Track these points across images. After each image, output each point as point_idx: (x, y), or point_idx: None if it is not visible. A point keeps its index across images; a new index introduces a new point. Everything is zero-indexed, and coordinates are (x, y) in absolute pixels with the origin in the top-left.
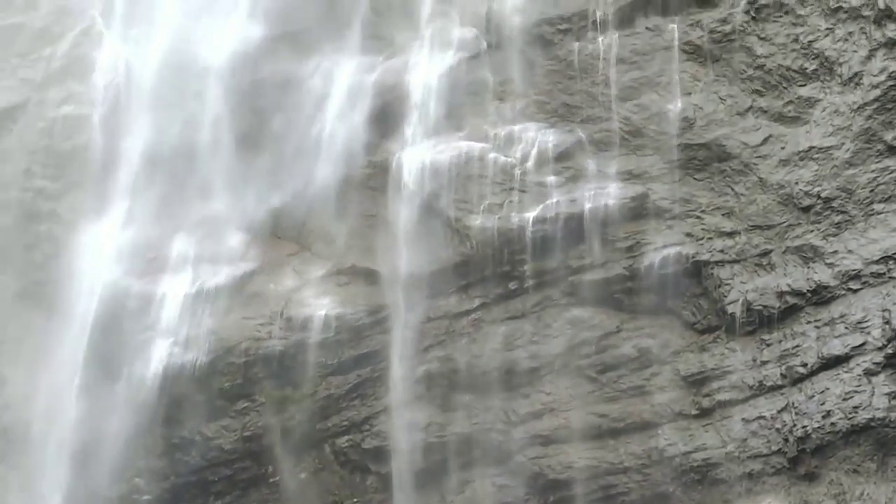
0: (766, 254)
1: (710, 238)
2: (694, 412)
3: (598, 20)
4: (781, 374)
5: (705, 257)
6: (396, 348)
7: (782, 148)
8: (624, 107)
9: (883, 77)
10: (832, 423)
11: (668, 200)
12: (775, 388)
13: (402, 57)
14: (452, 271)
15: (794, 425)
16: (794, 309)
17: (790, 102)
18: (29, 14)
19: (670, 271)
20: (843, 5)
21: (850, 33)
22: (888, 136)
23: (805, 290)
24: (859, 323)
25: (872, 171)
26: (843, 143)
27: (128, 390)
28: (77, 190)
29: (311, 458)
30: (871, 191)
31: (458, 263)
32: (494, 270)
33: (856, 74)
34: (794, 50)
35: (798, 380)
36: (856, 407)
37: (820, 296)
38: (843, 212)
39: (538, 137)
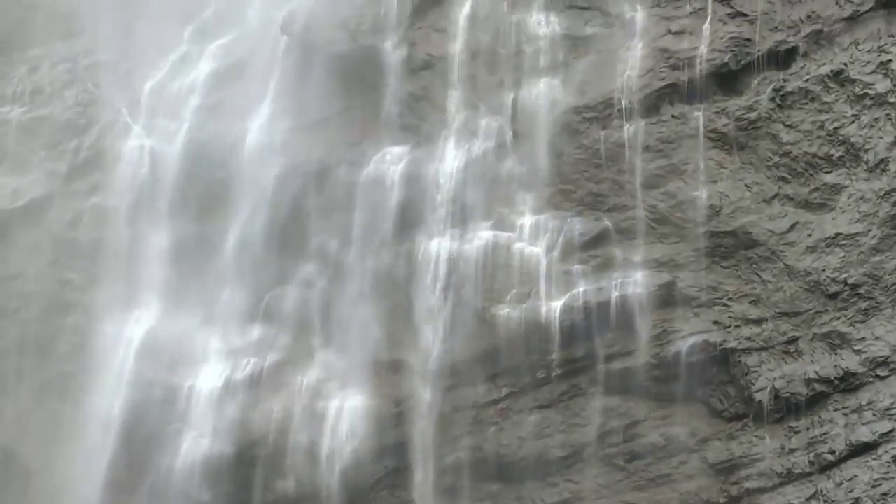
0: (793, 341)
1: (737, 326)
2: (722, 500)
3: (623, 108)
4: (810, 462)
5: (732, 345)
6: (424, 439)
7: (809, 235)
8: (650, 195)
9: None
10: None
11: (694, 288)
12: (804, 476)
13: (429, 147)
14: (480, 361)
15: None
16: (821, 396)
17: (816, 189)
18: (55, 106)
19: (697, 359)
20: (869, 92)
21: (876, 119)
22: None
23: (833, 378)
24: (887, 410)
25: None
26: (869, 230)
27: (156, 483)
28: (104, 282)
29: None
30: None
31: (485, 353)
32: (522, 359)
33: (882, 161)
34: (819, 137)
35: (826, 467)
36: (885, 494)
37: (848, 383)
38: (870, 298)
39: (564, 226)
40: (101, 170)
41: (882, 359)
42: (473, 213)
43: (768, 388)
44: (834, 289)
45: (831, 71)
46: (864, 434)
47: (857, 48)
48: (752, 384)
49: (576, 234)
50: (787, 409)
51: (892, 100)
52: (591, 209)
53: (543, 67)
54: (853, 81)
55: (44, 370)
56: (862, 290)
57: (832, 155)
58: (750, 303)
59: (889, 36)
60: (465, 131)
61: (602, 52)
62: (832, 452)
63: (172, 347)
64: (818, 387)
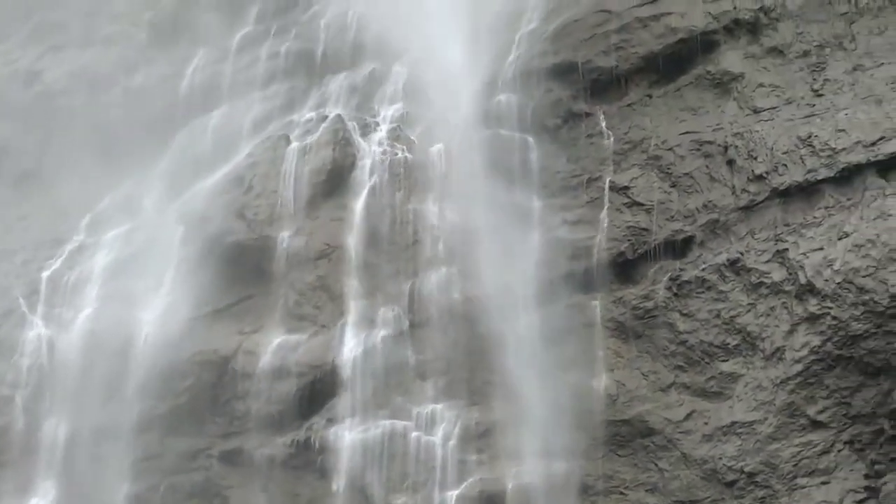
0: None
1: None
2: None
3: (520, 297)
4: None
5: None
6: None
7: (705, 423)
8: (548, 385)
9: (805, 352)
10: None
11: (591, 477)
12: None
13: (326, 335)
14: None
15: None
16: None
17: (713, 378)
18: None
19: None
20: (765, 281)
21: (773, 308)
22: (811, 411)
23: None
24: None
25: (796, 445)
26: (766, 418)
27: None
28: (1, 469)
29: None
30: (795, 465)
31: None
32: None
33: (778, 349)
34: (716, 325)
35: None
36: None
37: None
38: (766, 486)
39: (461, 415)
40: None
41: None
42: (371, 402)
43: None
44: (731, 477)
45: (727, 260)
46: None
47: (753, 237)
48: None
49: (472, 423)
50: None
51: (787, 288)
52: (488, 398)
53: (440, 257)
54: (749, 270)
55: None
56: (759, 479)
57: (728, 343)
58: (646, 491)
59: (785, 225)
60: (362, 320)
61: (499, 241)
62: None
63: None
64: None
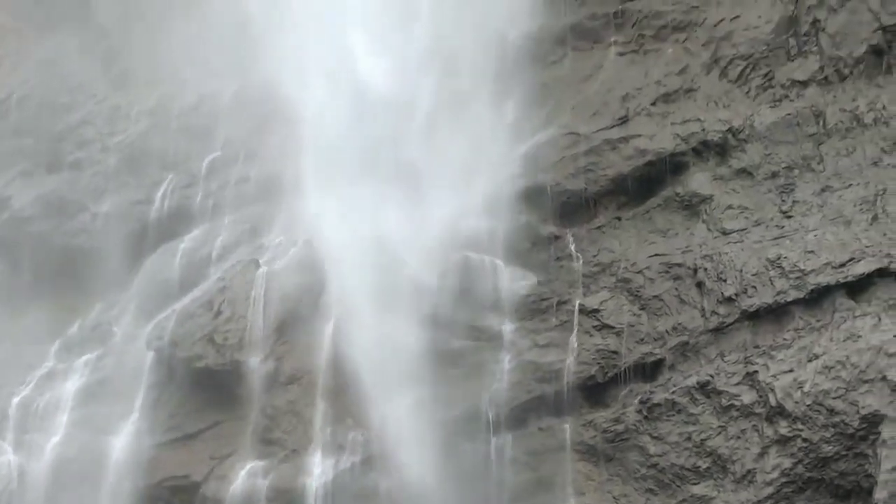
0: None
1: None
2: None
3: (490, 421)
4: None
5: None
6: None
7: None
8: None
9: (776, 474)
10: None
11: None
12: None
13: (295, 461)
14: None
15: None
16: None
17: (684, 501)
18: None
19: None
20: (736, 403)
21: (743, 431)
22: None
23: None
24: None
25: None
26: None
27: None
28: None
29: None
30: None
31: None
32: None
33: (749, 472)
34: (686, 448)
35: None
36: None
37: None
38: None
39: None
40: None
41: None
42: None
43: None
44: None
45: (698, 382)
46: None
47: (723, 359)
48: None
49: None
50: None
51: (758, 411)
52: None
53: (411, 380)
54: (719, 393)
55: None
56: None
57: (699, 467)
58: None
59: (755, 347)
60: (332, 445)
61: (469, 364)
62: None
63: None
64: None
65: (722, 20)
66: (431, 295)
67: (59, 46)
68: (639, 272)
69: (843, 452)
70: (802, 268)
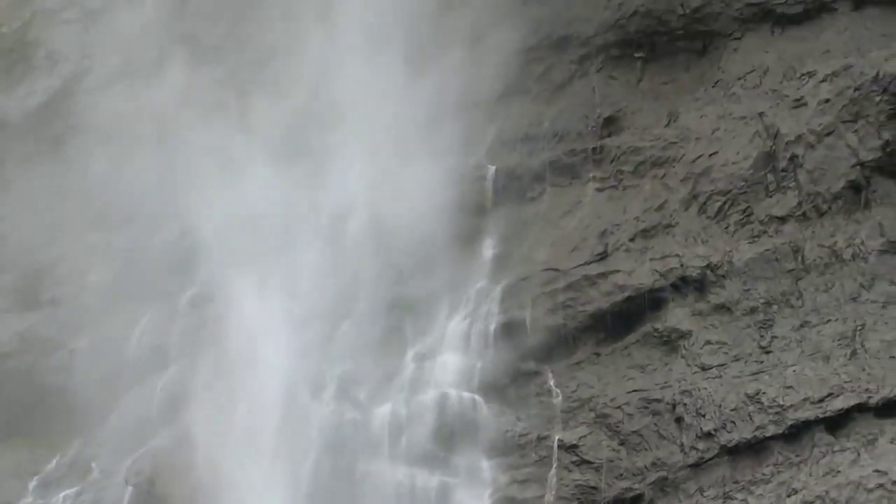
0: None
1: None
2: None
3: None
4: None
5: None
6: None
7: None
8: None
9: None
10: None
11: None
12: None
13: None
14: None
15: None
16: None
17: None
18: None
19: None
20: None
21: None
22: None
23: None
24: None
25: None
26: None
27: None
28: None
29: None
30: None
31: None
32: None
33: None
34: None
35: None
36: None
37: None
38: None
39: None
40: None
41: None
42: None
43: None
44: None
45: None
46: None
47: (702, 495)
48: None
49: None
50: None
51: None
52: None
53: None
54: None
55: None
56: None
57: None
58: None
59: (734, 482)
60: None
61: (449, 501)
62: None
63: None
64: None
65: (700, 156)
66: (410, 432)
67: (36, 182)
68: (618, 407)
69: None
70: (781, 403)
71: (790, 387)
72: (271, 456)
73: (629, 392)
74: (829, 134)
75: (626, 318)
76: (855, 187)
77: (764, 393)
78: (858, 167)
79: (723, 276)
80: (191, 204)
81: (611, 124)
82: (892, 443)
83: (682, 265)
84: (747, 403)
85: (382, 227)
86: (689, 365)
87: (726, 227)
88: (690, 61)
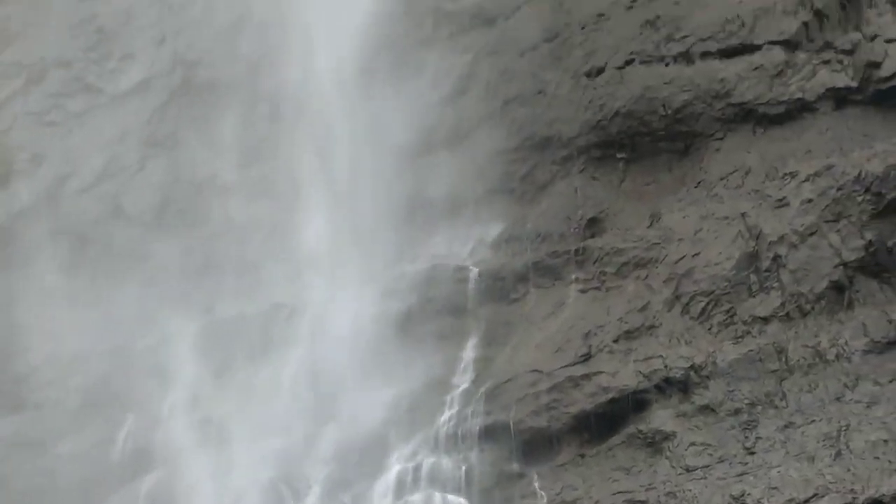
0: None
1: None
2: None
3: None
4: None
5: None
6: None
7: None
8: None
9: None
10: None
11: None
12: None
13: None
14: None
15: None
16: None
17: None
18: None
19: None
20: None
21: None
22: None
23: None
24: None
25: None
26: None
27: None
28: None
29: None
30: None
31: None
32: None
33: None
34: None
35: None
36: None
37: None
38: None
39: None
40: None
41: None
42: None
43: None
44: None
45: None
46: None
47: None
48: None
49: None
50: None
51: None
52: None
53: None
54: None
55: None
56: None
57: None
58: None
59: None
60: None
61: None
62: None
63: None
64: None
65: (683, 257)
66: None
67: (17, 286)
68: None
69: None
70: None
71: (775, 488)
72: None
73: (614, 494)
74: (811, 234)
75: (610, 419)
76: (838, 287)
77: (749, 494)
78: (841, 267)
79: (707, 377)
80: (176, 308)
81: (593, 225)
82: None
83: (665, 366)
84: None
85: (363, 327)
86: (673, 466)
87: (710, 328)
88: (672, 162)
